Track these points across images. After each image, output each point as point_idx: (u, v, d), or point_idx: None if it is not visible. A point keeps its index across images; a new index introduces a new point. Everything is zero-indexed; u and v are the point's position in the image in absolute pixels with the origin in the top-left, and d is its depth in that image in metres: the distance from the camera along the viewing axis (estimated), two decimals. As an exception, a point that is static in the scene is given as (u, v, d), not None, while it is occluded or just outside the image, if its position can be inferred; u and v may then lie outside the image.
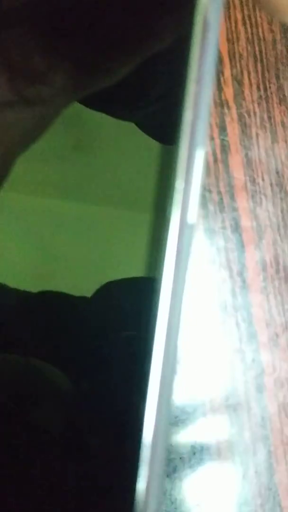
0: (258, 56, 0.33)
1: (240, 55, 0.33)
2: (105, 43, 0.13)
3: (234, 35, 0.33)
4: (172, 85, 0.12)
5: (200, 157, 0.12)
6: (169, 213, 0.12)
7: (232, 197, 0.31)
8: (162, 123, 0.13)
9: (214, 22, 0.12)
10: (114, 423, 0.13)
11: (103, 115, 0.13)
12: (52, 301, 0.13)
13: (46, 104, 0.13)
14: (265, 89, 0.32)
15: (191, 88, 0.12)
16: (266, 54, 0.33)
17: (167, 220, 0.12)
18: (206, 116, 0.12)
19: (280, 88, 0.33)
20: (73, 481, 0.13)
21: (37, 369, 0.13)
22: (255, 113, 0.32)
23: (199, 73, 0.12)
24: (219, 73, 0.32)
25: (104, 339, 0.13)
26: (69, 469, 0.13)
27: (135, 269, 0.13)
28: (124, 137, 0.13)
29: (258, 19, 0.34)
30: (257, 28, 0.34)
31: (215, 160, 0.31)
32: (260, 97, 0.32)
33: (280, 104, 0.32)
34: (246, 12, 0.33)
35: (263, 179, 0.32)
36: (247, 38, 0.33)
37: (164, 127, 0.13)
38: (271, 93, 0.32)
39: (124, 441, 0.12)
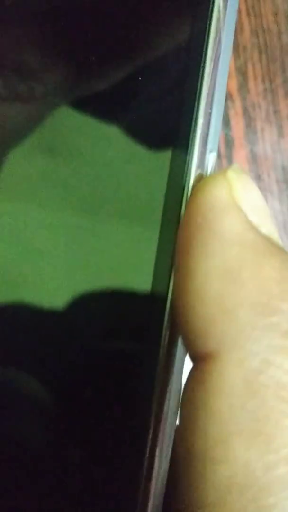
0: (263, 48, 0.32)
1: (244, 47, 0.32)
2: (104, 44, 0.13)
3: (238, 26, 0.32)
4: (174, 86, 0.12)
5: (212, 161, 0.12)
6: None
7: (236, 194, 0.30)
8: (157, 125, 0.12)
9: (229, 25, 0.12)
10: (103, 433, 0.12)
11: (96, 118, 0.13)
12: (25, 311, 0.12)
13: (38, 102, 0.13)
14: (270, 82, 0.32)
15: (204, 91, 0.12)
16: (271, 46, 0.32)
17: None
18: (219, 121, 0.12)
19: (285, 80, 0.32)
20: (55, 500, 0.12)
21: (10, 380, 0.12)
22: (260, 106, 0.31)
23: (212, 81, 0.12)
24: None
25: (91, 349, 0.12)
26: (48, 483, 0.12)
27: (141, 280, 0.12)
28: (123, 142, 0.12)
29: (263, 10, 0.33)
30: (261, 19, 0.33)
31: (219, 156, 0.31)
32: (265, 90, 0.31)
33: (286, 97, 0.31)
34: (250, 2, 0.33)
35: (268, 175, 0.31)
36: (251, 30, 0.33)
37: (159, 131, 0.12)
38: (277, 86, 0.32)
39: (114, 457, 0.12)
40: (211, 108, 0.12)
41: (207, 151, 0.12)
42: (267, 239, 0.11)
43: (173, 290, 0.12)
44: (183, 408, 0.11)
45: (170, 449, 0.12)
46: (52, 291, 0.12)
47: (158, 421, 0.12)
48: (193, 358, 0.11)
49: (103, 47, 0.12)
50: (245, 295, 0.11)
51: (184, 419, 0.11)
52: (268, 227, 0.11)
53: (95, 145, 0.12)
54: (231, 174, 0.11)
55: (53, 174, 0.13)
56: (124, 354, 0.12)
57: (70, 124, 0.13)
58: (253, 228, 0.11)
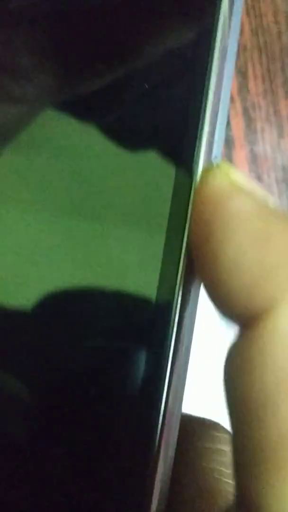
0: (263, 48, 0.32)
1: (244, 47, 0.32)
2: (98, 44, 0.13)
3: (238, 26, 0.32)
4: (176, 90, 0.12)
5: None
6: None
7: (237, 194, 0.31)
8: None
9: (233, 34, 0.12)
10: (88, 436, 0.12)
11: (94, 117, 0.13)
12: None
13: (30, 103, 0.13)
14: (270, 82, 0.32)
15: (210, 96, 0.12)
16: (271, 46, 0.33)
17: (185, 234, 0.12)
18: (223, 127, 0.12)
19: (286, 81, 0.32)
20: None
21: (17, 385, 0.12)
22: (260, 106, 0.31)
23: (217, 83, 0.12)
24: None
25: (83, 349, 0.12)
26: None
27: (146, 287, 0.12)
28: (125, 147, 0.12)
29: (263, 9, 0.33)
30: (261, 19, 0.33)
31: (219, 156, 0.31)
32: (265, 90, 0.32)
33: (286, 97, 0.32)
34: (250, 2, 0.33)
35: (268, 176, 0.31)
36: (251, 30, 0.33)
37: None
38: (277, 86, 0.32)
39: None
40: (216, 116, 0.12)
41: (212, 157, 0.12)
42: (279, 209, 0.12)
43: (182, 290, 0.12)
44: (232, 368, 0.11)
45: (175, 442, 0.12)
46: (57, 295, 0.12)
47: (164, 419, 0.12)
48: (242, 323, 0.11)
49: (107, 50, 0.12)
50: (282, 252, 0.11)
51: (236, 375, 0.11)
52: (272, 202, 0.12)
53: (98, 151, 0.12)
54: (223, 164, 0.12)
55: (55, 178, 0.13)
56: (130, 355, 0.12)
57: (76, 127, 0.13)
58: (263, 202, 0.12)
